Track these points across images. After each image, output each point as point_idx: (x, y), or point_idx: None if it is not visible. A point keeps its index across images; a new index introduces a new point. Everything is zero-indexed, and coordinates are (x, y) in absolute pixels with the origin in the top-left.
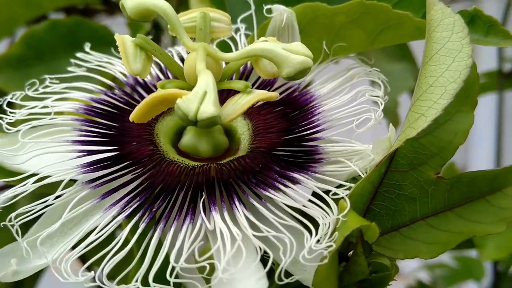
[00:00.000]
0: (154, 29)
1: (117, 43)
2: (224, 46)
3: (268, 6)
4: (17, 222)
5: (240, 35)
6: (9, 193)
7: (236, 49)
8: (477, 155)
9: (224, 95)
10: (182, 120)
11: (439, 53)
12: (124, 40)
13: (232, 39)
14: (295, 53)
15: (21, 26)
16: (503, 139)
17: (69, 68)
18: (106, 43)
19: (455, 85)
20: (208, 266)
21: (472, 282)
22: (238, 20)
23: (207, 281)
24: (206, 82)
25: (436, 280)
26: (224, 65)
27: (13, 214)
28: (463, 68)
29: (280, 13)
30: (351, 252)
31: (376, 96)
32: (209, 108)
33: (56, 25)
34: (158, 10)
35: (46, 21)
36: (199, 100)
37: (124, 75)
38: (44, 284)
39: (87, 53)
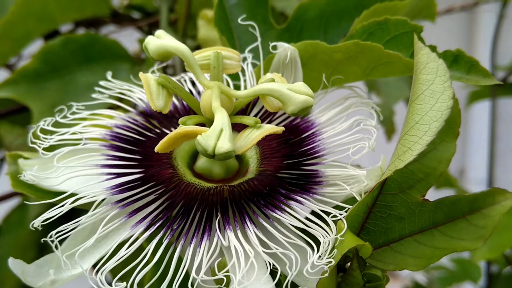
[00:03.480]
0: None
1: (141, 82)
2: (232, 74)
3: (274, 43)
4: (56, 238)
5: (247, 64)
6: (48, 214)
7: (243, 75)
8: (473, 159)
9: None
10: (201, 154)
11: (424, 93)
12: (148, 79)
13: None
14: (298, 92)
15: (33, 41)
16: (496, 144)
17: (93, 95)
18: (117, 57)
19: (437, 124)
20: (225, 278)
21: (468, 284)
22: (246, 51)
23: None
24: (221, 120)
25: (433, 282)
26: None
27: (53, 232)
28: (444, 109)
29: (284, 49)
30: (348, 264)
31: (370, 126)
32: (225, 144)
33: (70, 40)
34: (177, 53)
35: (61, 36)
36: (216, 137)
37: (142, 101)
38: None
39: (109, 80)
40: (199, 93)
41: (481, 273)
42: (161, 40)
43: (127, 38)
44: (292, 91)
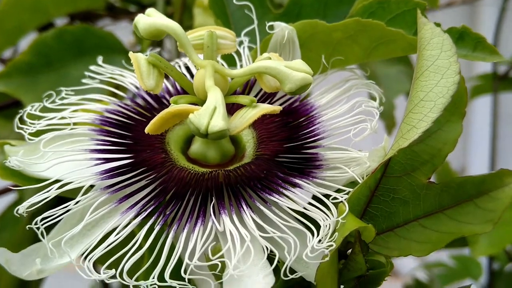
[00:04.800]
0: None
1: (131, 61)
2: (228, 57)
3: (271, 23)
4: (42, 225)
5: (243, 47)
6: (34, 199)
7: (240, 60)
8: (474, 155)
9: (230, 105)
10: (194, 133)
11: (429, 69)
12: (138, 58)
13: (236, 51)
14: (296, 70)
15: (27, 34)
16: (498, 140)
17: (83, 80)
18: (112, 50)
19: (443, 100)
20: (219, 264)
21: (469, 281)
22: (242, 34)
23: (217, 277)
24: (215, 98)
25: (433, 279)
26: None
27: (38, 218)
28: (451, 84)
29: (282, 29)
30: (349, 250)
31: (372, 107)
32: (218, 122)
33: (64, 32)
34: (168, 31)
35: (54, 28)
36: (209, 115)
37: (135, 86)
38: (48, 285)
39: (99, 65)
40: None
41: (481, 270)
42: (152, 18)
43: (123, 32)
44: (289, 69)
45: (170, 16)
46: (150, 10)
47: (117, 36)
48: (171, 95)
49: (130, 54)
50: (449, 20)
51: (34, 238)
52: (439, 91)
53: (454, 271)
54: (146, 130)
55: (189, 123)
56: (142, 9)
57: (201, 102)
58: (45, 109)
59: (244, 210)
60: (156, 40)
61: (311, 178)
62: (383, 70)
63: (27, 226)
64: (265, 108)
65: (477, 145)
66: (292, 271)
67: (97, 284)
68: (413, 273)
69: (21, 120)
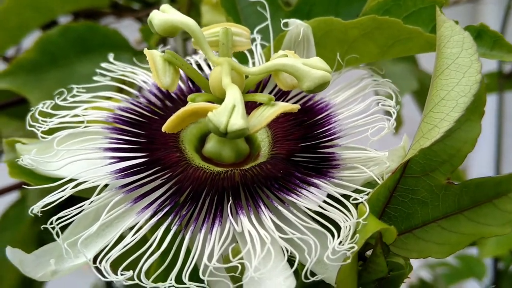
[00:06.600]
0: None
1: (139, 59)
2: (239, 55)
3: (285, 20)
4: (57, 225)
5: (256, 45)
6: (48, 198)
7: (252, 57)
8: (477, 155)
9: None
10: (213, 132)
11: (450, 68)
12: (154, 55)
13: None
14: (314, 68)
15: (30, 32)
16: (503, 140)
17: (95, 78)
18: (117, 47)
19: (466, 99)
20: (239, 266)
21: (473, 281)
22: (254, 31)
23: (234, 279)
24: (234, 96)
25: (438, 279)
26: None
27: (54, 218)
28: (473, 83)
29: (297, 26)
30: (368, 252)
31: (389, 106)
32: (238, 121)
33: (68, 30)
34: (184, 27)
35: (59, 26)
36: (229, 113)
37: (146, 83)
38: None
39: (111, 62)
40: (206, 78)
41: (485, 269)
42: (167, 15)
43: (127, 30)
44: (308, 66)
45: None
46: (165, 6)
47: (121, 33)
48: (182, 92)
49: (145, 51)
50: (452, 18)
51: (36, 238)
52: (461, 90)
53: (458, 271)
54: (163, 128)
55: (208, 122)
56: (146, 6)
57: (217, 100)
58: (56, 107)
59: (262, 211)
60: (161, 38)
61: (328, 178)
62: (389, 68)
63: (42, 226)
64: (283, 106)
65: (482, 143)
66: (312, 273)
67: (100, 282)
68: (417, 273)
69: (32, 118)
